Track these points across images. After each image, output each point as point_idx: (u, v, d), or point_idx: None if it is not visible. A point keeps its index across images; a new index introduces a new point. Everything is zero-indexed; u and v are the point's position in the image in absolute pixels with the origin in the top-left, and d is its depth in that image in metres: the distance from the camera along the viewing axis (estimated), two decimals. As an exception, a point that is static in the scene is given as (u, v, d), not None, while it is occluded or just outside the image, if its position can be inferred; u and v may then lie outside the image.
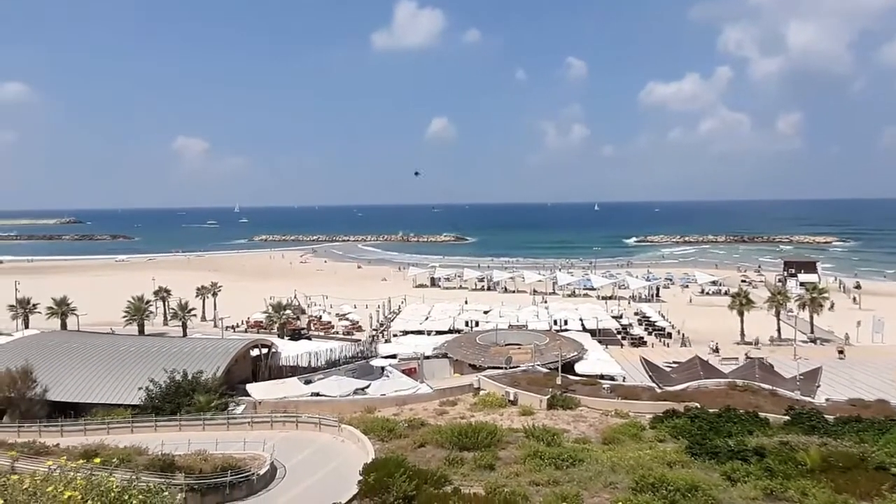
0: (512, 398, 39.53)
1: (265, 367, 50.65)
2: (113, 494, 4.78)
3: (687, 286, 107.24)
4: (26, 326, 68.94)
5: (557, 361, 45.06)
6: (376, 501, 22.71)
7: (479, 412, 37.85)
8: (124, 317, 70.12)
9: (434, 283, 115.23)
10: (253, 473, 28.01)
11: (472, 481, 25.00)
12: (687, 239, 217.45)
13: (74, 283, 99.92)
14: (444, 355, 52.86)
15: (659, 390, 41.56)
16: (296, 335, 68.40)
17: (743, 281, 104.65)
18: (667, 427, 32.23)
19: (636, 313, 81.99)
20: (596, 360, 50.29)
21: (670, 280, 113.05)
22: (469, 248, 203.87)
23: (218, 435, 33.54)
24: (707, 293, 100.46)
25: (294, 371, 49.52)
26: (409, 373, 47.93)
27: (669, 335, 70.62)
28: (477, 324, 69.15)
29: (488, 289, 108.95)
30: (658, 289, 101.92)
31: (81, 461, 11.71)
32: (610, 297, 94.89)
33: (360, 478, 24.39)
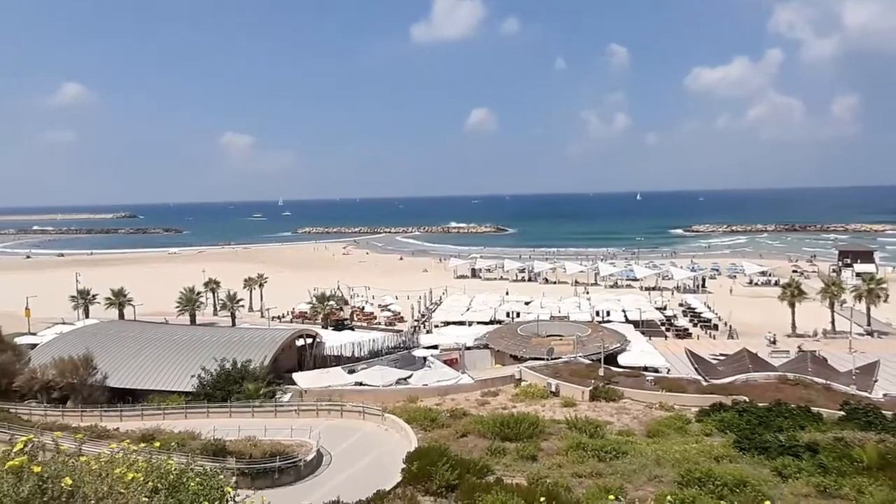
0: (554, 389, 39.36)
1: (310, 357, 51.82)
2: (172, 477, 4.96)
3: (734, 276, 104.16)
4: (86, 316, 72.37)
5: (600, 353, 44.59)
6: (420, 489, 23.03)
7: (520, 403, 37.84)
8: (177, 307, 72.76)
9: (475, 274, 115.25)
10: (300, 460, 28.77)
11: (514, 472, 25.07)
12: (734, 228, 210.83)
13: (130, 274, 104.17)
14: (486, 346, 52.98)
15: (705, 383, 40.66)
16: (339, 325, 69.67)
17: (794, 271, 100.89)
18: (713, 421, 31.54)
19: (681, 304, 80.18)
20: (639, 352, 49.55)
21: (717, 270, 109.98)
22: (510, 239, 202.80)
23: (266, 422, 34.59)
24: (756, 284, 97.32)
25: (338, 361, 50.51)
26: (451, 363, 48.26)
27: (716, 327, 68.86)
28: (518, 315, 68.92)
29: (529, 280, 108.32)
30: (704, 279, 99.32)
31: (141, 444, 12.32)
32: (653, 288, 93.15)
33: (404, 466, 24.75)
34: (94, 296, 76.08)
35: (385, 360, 48.40)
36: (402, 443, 30.70)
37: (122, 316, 72.54)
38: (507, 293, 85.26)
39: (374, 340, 54.94)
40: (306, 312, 76.05)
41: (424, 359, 49.01)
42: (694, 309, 75.95)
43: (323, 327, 66.43)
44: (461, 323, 65.49)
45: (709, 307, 76.82)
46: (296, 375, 44.69)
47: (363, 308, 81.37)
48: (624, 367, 45.23)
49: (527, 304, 74.60)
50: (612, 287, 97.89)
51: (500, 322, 65.44)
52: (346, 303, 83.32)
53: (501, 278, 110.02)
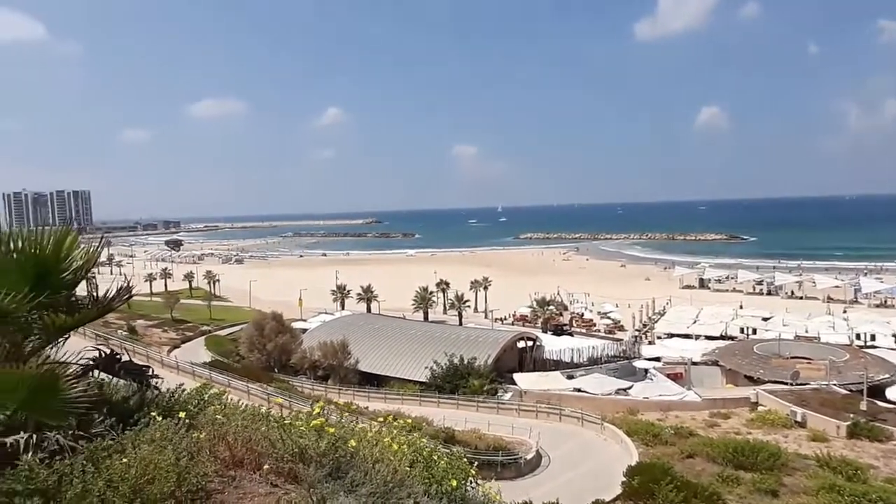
0: (799, 419, 34.99)
1: (530, 359, 53.48)
2: (426, 453, 5.50)
3: None
4: (342, 308, 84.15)
5: (862, 383, 38.26)
6: (640, 505, 22.65)
7: (756, 429, 34.47)
8: (412, 304, 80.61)
9: (703, 284, 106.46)
10: (521, 457, 30.23)
11: (748, 504, 23.20)
12: None
13: (376, 273, 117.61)
14: (715, 363, 49.13)
15: None
16: (558, 330, 70.34)
17: None
18: None
19: (985, 333, 64.02)
20: (918, 387, 41.16)
21: None
22: (745, 248, 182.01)
23: (489, 417, 36.91)
24: None
25: (557, 365, 51.32)
26: (675, 378, 45.80)
27: None
28: (754, 331, 62.31)
29: (768, 293, 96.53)
30: None
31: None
32: (943, 311, 75.86)
33: (624, 479, 24.50)
34: (348, 291, 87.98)
35: (604, 369, 47.87)
36: (622, 455, 30.30)
37: (369, 309, 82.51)
38: (740, 306, 77.19)
39: (593, 347, 54.52)
40: (527, 316, 78.16)
41: (646, 370, 47.32)
42: None
43: (542, 331, 67.79)
44: (687, 336, 61.41)
45: None
46: (516, 376, 46.59)
47: (582, 314, 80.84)
48: (894, 403, 38.11)
49: (765, 319, 66.79)
50: (878, 306, 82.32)
51: (731, 338, 59.83)
52: (566, 308, 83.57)
53: (734, 290, 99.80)
